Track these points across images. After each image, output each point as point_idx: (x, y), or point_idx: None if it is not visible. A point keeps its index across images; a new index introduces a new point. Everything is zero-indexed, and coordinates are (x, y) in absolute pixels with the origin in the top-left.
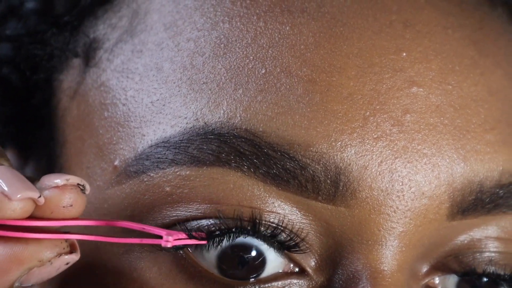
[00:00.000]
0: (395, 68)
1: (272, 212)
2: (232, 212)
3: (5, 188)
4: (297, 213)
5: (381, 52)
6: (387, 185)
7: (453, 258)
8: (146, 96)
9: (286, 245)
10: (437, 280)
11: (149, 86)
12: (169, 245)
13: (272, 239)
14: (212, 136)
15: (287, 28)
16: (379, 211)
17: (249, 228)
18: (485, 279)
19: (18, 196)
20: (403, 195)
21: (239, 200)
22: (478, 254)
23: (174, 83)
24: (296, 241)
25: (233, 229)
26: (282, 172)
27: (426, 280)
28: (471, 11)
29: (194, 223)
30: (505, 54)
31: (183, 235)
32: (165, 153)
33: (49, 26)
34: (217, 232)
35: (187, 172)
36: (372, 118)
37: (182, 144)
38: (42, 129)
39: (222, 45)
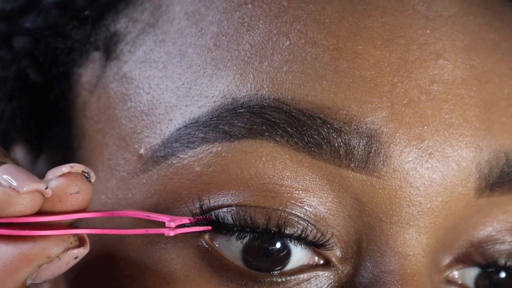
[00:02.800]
0: (421, 41)
1: (301, 199)
2: (263, 196)
3: (13, 183)
4: (328, 193)
5: (405, 27)
6: (417, 153)
7: (474, 250)
8: (171, 82)
9: (314, 243)
10: (456, 274)
11: (174, 72)
12: (171, 233)
13: (299, 240)
14: (242, 110)
15: (311, 6)
16: (409, 183)
17: (275, 230)
18: (503, 274)
19: (25, 188)
20: (431, 166)
21: (270, 177)
22: (498, 246)
23: (199, 66)
24: (323, 241)
25: (259, 229)
26: (315, 137)
27: (447, 273)
28: (491, 4)
29: (219, 214)
30: None
31: (186, 220)
32: (194, 133)
33: (69, 20)
34: (243, 230)
35: (219, 149)
36: (400, 84)
37: (212, 122)
38: (59, 123)
39: (246, 23)
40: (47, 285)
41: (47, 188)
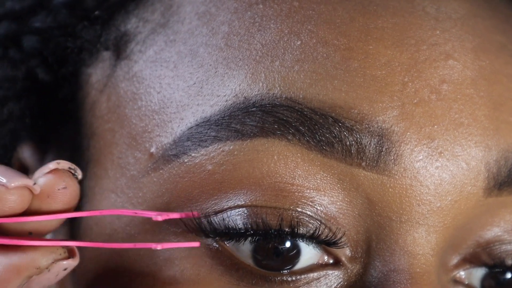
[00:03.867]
0: (431, 42)
1: (312, 199)
2: (274, 195)
3: (2, 179)
4: (338, 192)
5: (415, 28)
6: (427, 152)
7: (482, 250)
8: (182, 81)
9: (325, 242)
10: (463, 274)
11: (185, 71)
12: (159, 247)
13: (311, 239)
14: (254, 109)
15: (321, 6)
16: (419, 182)
17: (288, 230)
18: (509, 275)
19: (13, 184)
20: (441, 165)
21: (282, 176)
22: (505, 246)
23: (210, 65)
24: (334, 240)
25: (271, 231)
26: (327, 136)
27: (455, 273)
28: (499, 8)
29: (231, 218)
30: None
31: (175, 216)
32: (206, 132)
33: (79, 20)
34: (255, 234)
35: (231, 147)
36: (410, 84)
37: (224, 121)
38: (68, 122)
39: (257, 23)
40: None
41: (35, 184)
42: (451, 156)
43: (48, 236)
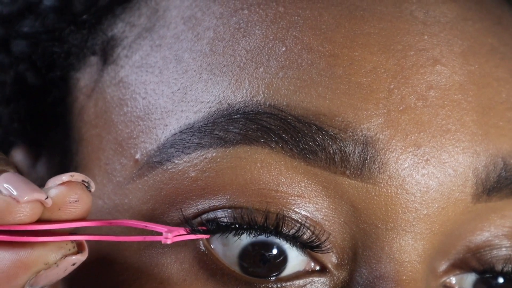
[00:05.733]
0: (418, 47)
1: (297, 205)
2: (258, 201)
3: (14, 192)
4: (323, 200)
5: (402, 33)
6: (413, 160)
7: (471, 256)
8: (167, 87)
9: (309, 245)
10: (454, 280)
11: (169, 77)
12: (168, 241)
13: (294, 239)
14: (237, 116)
15: (307, 12)
16: (405, 190)
17: (272, 228)
18: (501, 280)
19: (26, 198)
20: (428, 172)
21: (266, 183)
22: (495, 251)
23: (195, 71)
24: (318, 243)
25: (256, 226)
26: (310, 144)
27: (444, 279)
28: (490, 9)
29: (215, 215)
30: None
31: (183, 231)
32: (190, 139)
33: (67, 24)
34: (239, 228)
35: (214, 154)
36: (396, 90)
37: (207, 128)
38: (57, 127)
39: (242, 29)
40: None
41: (47, 198)
42: (438, 163)
43: None
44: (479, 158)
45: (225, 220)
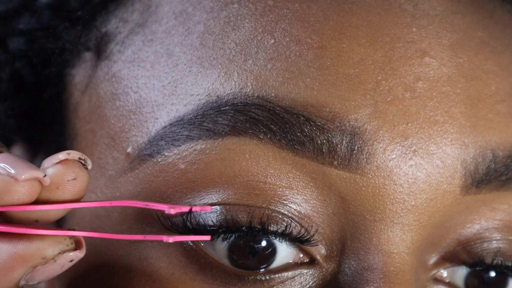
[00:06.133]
0: (407, 39)
1: (285, 197)
2: (247, 194)
3: (11, 170)
4: (312, 191)
5: (391, 26)
6: (400, 151)
7: (461, 249)
8: (158, 81)
9: (299, 239)
10: (445, 273)
11: (160, 71)
12: (170, 240)
13: (283, 236)
14: (226, 107)
15: (296, 4)
16: (393, 181)
17: (259, 227)
18: (493, 273)
19: (24, 176)
20: (415, 163)
21: (254, 174)
22: (486, 244)
23: (185, 64)
24: (307, 237)
25: (243, 228)
26: (298, 135)
27: (434, 272)
28: (482, 3)
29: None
30: None
31: (187, 208)
32: (179, 131)
33: (62, 21)
34: (227, 231)
35: (203, 146)
36: (384, 82)
37: (196, 120)
38: (53, 123)
39: (232, 22)
40: (43, 284)
41: (45, 176)
42: (426, 154)
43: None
44: (467, 150)
45: (212, 223)
